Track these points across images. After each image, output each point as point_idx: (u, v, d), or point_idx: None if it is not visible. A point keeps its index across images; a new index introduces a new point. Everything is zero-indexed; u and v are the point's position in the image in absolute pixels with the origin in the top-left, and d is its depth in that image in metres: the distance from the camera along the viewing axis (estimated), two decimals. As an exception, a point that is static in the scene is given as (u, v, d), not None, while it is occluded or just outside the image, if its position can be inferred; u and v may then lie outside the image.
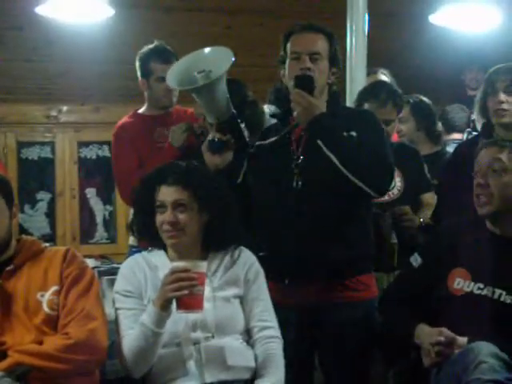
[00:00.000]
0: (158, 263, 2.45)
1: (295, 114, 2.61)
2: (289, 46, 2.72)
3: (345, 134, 2.61)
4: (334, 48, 2.74)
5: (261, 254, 2.60)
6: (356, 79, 3.79)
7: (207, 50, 2.81)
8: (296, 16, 4.75)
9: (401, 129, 3.94)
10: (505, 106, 2.91)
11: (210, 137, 2.75)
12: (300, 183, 2.65)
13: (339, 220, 2.63)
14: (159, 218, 2.41)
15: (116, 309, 2.41)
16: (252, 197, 2.76)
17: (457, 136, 4.60)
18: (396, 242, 3.17)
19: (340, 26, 3.67)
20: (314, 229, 2.61)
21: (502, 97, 2.92)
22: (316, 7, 5.13)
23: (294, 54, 2.69)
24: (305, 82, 2.59)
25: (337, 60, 2.76)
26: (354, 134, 2.63)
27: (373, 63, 3.96)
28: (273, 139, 2.74)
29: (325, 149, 2.55)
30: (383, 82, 3.66)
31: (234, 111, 2.76)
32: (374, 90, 3.41)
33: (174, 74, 2.80)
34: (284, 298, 2.61)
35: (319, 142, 2.55)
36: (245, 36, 5.48)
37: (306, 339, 2.69)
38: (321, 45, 2.70)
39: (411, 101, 4.00)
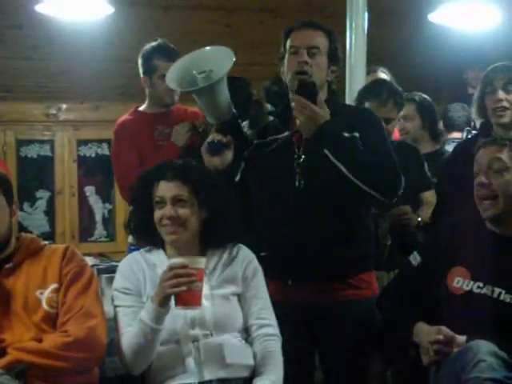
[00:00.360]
0: (157, 261, 2.44)
1: (298, 122, 2.58)
2: (288, 42, 2.72)
3: (348, 134, 2.60)
4: (334, 46, 2.73)
5: (262, 254, 2.60)
6: (356, 78, 3.78)
7: (207, 49, 2.80)
8: (296, 14, 4.74)
9: (404, 126, 3.94)
10: (504, 104, 2.90)
11: (209, 139, 2.73)
12: (302, 182, 2.64)
13: (341, 219, 2.63)
14: (158, 213, 2.40)
15: (115, 306, 2.41)
16: (251, 196, 2.75)
17: (456, 135, 4.60)
18: (388, 244, 3.18)
19: (340, 24, 3.67)
20: (316, 228, 2.60)
21: (501, 94, 2.91)
22: (316, 5, 5.13)
23: (292, 48, 2.69)
24: (307, 89, 2.54)
25: (337, 58, 2.75)
26: (356, 134, 2.62)
27: (372, 62, 3.96)
28: (273, 138, 2.73)
29: (332, 157, 2.54)
30: (383, 81, 3.66)
31: (236, 112, 2.75)
32: (374, 89, 3.40)
33: (173, 74, 2.79)
34: (285, 296, 2.61)
35: (326, 151, 2.54)
36: (244, 34, 5.49)
37: (307, 338, 2.69)
38: (319, 40, 2.70)
39: (417, 99, 3.99)
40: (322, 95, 2.68)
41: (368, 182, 2.55)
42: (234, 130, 2.73)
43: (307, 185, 2.63)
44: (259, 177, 2.74)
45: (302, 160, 2.65)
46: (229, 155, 2.69)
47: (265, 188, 2.72)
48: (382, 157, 2.59)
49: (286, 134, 2.69)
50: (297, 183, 2.64)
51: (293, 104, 2.56)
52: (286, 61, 2.71)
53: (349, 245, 2.64)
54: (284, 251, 2.64)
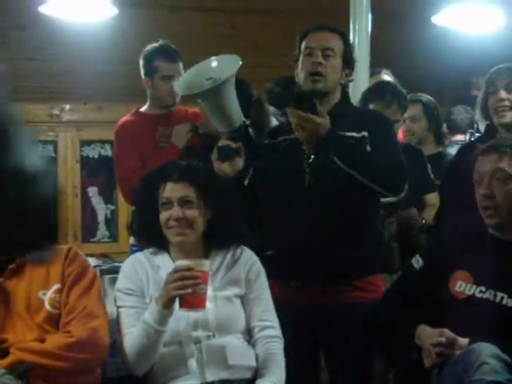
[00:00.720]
0: (160, 263, 2.44)
1: (298, 135, 2.55)
2: (303, 44, 2.73)
3: (357, 134, 2.61)
4: (348, 49, 2.75)
5: (268, 252, 2.60)
6: (359, 79, 3.78)
7: (216, 58, 2.80)
8: (300, 16, 4.75)
9: (411, 127, 3.93)
10: (506, 103, 2.91)
11: (219, 143, 2.72)
12: (312, 182, 2.64)
13: (349, 220, 2.63)
14: (164, 214, 2.40)
15: (117, 307, 2.41)
16: (259, 198, 2.74)
17: (460, 137, 4.60)
18: (396, 246, 3.18)
19: (343, 25, 3.67)
20: (324, 228, 2.60)
21: (503, 94, 2.91)
22: (320, 7, 5.12)
23: (307, 49, 2.70)
24: (305, 100, 2.53)
25: (351, 62, 2.76)
26: (365, 133, 2.63)
27: (374, 63, 3.96)
28: (283, 138, 2.73)
29: (340, 163, 2.54)
30: (388, 83, 3.66)
31: (245, 120, 2.73)
32: (378, 91, 3.41)
33: (182, 82, 2.79)
34: (289, 298, 2.61)
35: (335, 158, 2.54)
36: (249, 36, 5.48)
37: (311, 339, 2.68)
38: (335, 43, 2.71)
39: (423, 100, 3.98)
40: (335, 98, 2.70)
41: (376, 181, 2.56)
42: (244, 137, 2.71)
43: (317, 184, 2.63)
44: (269, 176, 2.73)
45: (311, 160, 2.64)
46: (239, 162, 2.67)
47: (274, 187, 2.71)
48: (391, 157, 2.60)
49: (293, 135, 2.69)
50: (306, 183, 2.64)
51: (293, 120, 2.53)
52: (300, 62, 2.72)
53: (356, 246, 2.63)
54: (291, 250, 2.63)
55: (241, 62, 2.68)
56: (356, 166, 2.54)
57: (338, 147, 2.54)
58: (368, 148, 2.63)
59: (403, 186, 2.67)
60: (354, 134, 2.63)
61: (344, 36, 2.77)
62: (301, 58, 2.72)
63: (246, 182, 2.73)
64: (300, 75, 2.71)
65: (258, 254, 2.54)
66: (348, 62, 2.74)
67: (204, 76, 2.70)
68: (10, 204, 0.87)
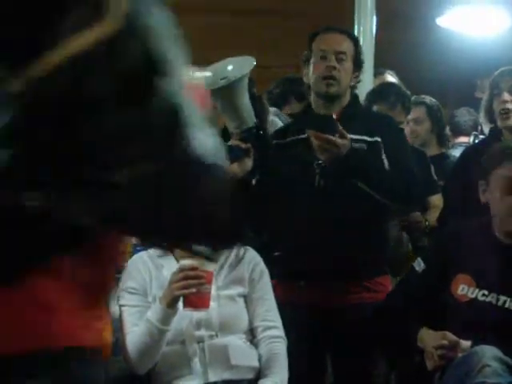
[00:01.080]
0: (164, 262, 2.45)
1: (320, 157, 2.57)
2: (314, 45, 2.73)
3: (368, 138, 2.63)
4: (358, 51, 2.77)
5: (276, 253, 2.60)
6: (363, 80, 3.78)
7: (231, 60, 2.80)
8: (304, 17, 4.75)
9: (415, 129, 3.92)
10: (509, 106, 2.91)
11: (229, 143, 2.72)
12: (322, 183, 2.64)
13: (358, 221, 2.63)
14: None
15: (120, 306, 2.41)
16: (266, 198, 2.74)
17: (463, 139, 4.59)
18: (410, 249, 3.18)
19: (348, 27, 3.67)
20: (333, 228, 2.60)
21: (506, 96, 2.92)
22: (324, 8, 5.13)
23: (321, 51, 2.70)
24: (326, 121, 2.55)
25: (360, 64, 2.78)
26: (378, 139, 2.64)
27: (378, 65, 3.95)
28: (292, 138, 2.73)
29: (356, 181, 2.56)
30: (392, 84, 3.65)
31: (257, 121, 2.73)
32: (382, 92, 3.40)
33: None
34: (296, 298, 2.62)
35: (354, 179, 2.57)
36: (252, 36, 5.48)
37: (318, 339, 2.68)
38: (346, 46, 2.73)
39: (427, 102, 3.97)
40: (346, 99, 2.71)
41: (389, 198, 2.60)
42: (255, 138, 2.71)
43: (326, 185, 2.63)
44: (278, 177, 2.73)
45: (321, 161, 2.64)
46: (248, 163, 2.66)
47: (284, 188, 2.71)
48: (406, 172, 2.63)
49: (306, 135, 2.69)
50: (316, 184, 2.64)
51: (314, 143, 2.53)
52: (312, 64, 2.72)
53: (364, 247, 2.64)
54: (299, 250, 2.64)
55: (254, 63, 2.68)
56: (372, 186, 2.57)
57: (357, 167, 2.56)
58: (383, 155, 2.64)
59: (416, 200, 2.72)
60: (367, 138, 2.64)
61: (354, 38, 2.79)
62: (312, 60, 2.72)
63: (253, 183, 2.73)
64: (311, 78, 2.71)
65: (264, 255, 2.54)
66: (358, 64, 2.76)
67: (219, 76, 2.70)
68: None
